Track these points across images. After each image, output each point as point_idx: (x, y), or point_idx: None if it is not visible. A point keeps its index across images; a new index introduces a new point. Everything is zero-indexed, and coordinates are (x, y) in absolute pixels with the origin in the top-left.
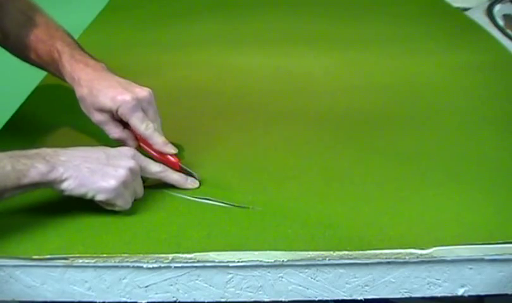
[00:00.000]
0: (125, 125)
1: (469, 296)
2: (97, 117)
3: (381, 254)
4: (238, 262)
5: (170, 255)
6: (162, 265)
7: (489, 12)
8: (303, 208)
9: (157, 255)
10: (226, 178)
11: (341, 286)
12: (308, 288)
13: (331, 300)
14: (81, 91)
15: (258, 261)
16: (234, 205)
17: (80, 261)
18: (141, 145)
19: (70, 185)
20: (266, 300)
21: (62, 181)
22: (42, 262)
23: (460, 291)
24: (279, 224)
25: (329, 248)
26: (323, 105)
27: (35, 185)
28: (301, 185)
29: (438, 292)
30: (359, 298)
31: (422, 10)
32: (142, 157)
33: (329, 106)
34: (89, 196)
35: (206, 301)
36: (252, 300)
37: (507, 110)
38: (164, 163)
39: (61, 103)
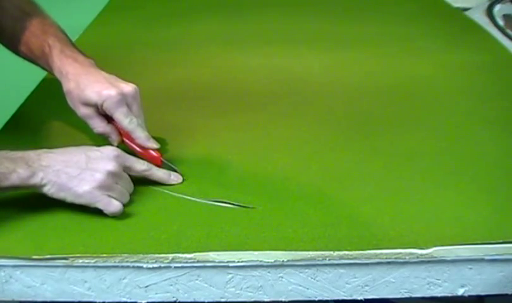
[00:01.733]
0: (109, 120)
1: (469, 296)
2: (83, 111)
3: (381, 254)
4: (238, 262)
5: (170, 255)
6: (162, 265)
7: (489, 12)
8: (303, 208)
9: (157, 255)
10: (226, 178)
11: (341, 286)
12: (308, 288)
13: (331, 300)
14: (68, 85)
15: (258, 261)
16: (234, 205)
17: (80, 261)
18: (125, 140)
19: (50, 190)
20: (266, 300)
21: (42, 186)
22: (42, 262)
23: (460, 291)
24: (279, 224)
25: (329, 248)
26: (323, 105)
27: (16, 188)
28: (301, 185)
29: (438, 292)
30: (359, 298)
31: (422, 10)
32: (127, 156)
33: (328, 106)
34: (68, 200)
35: (206, 301)
36: (252, 300)
37: (507, 110)
38: (146, 159)
39: (62, 102)
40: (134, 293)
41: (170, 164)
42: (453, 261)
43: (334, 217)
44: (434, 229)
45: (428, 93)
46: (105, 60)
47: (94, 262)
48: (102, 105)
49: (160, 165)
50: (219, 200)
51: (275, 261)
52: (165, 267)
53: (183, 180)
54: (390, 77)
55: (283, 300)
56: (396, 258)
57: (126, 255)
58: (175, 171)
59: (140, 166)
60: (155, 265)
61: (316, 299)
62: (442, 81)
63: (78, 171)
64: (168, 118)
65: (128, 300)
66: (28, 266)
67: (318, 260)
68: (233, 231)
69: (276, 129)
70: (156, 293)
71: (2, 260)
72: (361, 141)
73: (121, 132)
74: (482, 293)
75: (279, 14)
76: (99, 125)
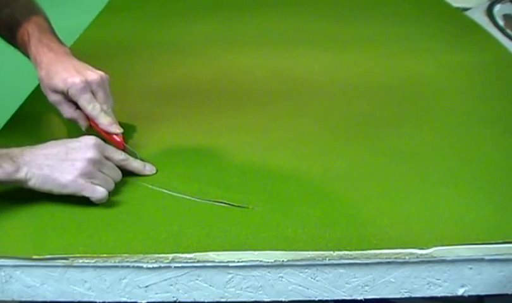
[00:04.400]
0: (77, 106)
1: (469, 296)
2: (52, 97)
3: (381, 254)
4: (238, 262)
5: (170, 255)
6: (162, 265)
7: (489, 12)
8: (303, 208)
9: (157, 255)
10: (226, 178)
11: (341, 286)
12: (308, 288)
13: (331, 300)
14: (41, 73)
15: (258, 261)
16: (234, 205)
17: (80, 261)
18: (92, 125)
19: (35, 184)
20: (266, 300)
21: (27, 180)
22: (42, 262)
23: (460, 291)
24: (279, 224)
25: (328, 248)
26: (322, 105)
27: (2, 183)
28: (301, 185)
29: (438, 292)
30: (359, 298)
31: (422, 10)
32: (106, 146)
33: (328, 106)
34: (55, 192)
35: (206, 301)
36: (252, 300)
37: (507, 110)
38: (111, 143)
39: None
40: (134, 293)
41: (131, 149)
42: (453, 261)
43: (334, 217)
44: (434, 229)
45: (428, 93)
46: (105, 60)
47: (94, 262)
48: (67, 92)
49: (123, 149)
50: (219, 200)
51: (275, 261)
52: (165, 267)
53: (156, 170)
54: (390, 77)
55: (283, 300)
56: (396, 258)
57: (126, 255)
58: (135, 156)
59: (118, 155)
60: (155, 265)
61: (316, 299)
62: (442, 81)
63: (59, 162)
64: (168, 118)
65: (128, 300)
66: (28, 266)
67: (318, 260)
68: (233, 231)
69: (276, 129)
70: (156, 293)
71: (2, 260)
72: (361, 141)
73: (89, 118)
74: (482, 293)
75: (279, 15)
76: (67, 111)
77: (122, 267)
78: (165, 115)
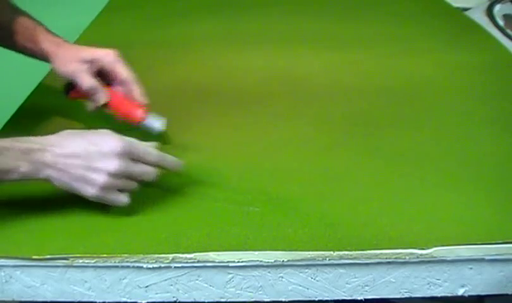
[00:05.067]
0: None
1: (469, 296)
2: (74, 67)
3: (381, 254)
4: (238, 262)
5: (170, 255)
6: (162, 265)
7: (489, 12)
8: (303, 208)
9: (157, 255)
10: (226, 178)
11: (341, 286)
12: (308, 288)
13: (331, 300)
14: (59, 48)
15: (258, 261)
16: (234, 205)
17: (80, 261)
18: (111, 101)
19: (55, 185)
20: (266, 300)
21: (46, 180)
22: (42, 262)
23: (460, 291)
24: (279, 224)
25: (329, 248)
26: (322, 105)
27: (20, 180)
28: (301, 185)
29: (438, 292)
30: (359, 298)
31: (422, 10)
32: (134, 147)
33: (328, 106)
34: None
35: (206, 301)
36: (252, 300)
37: (507, 110)
38: (128, 116)
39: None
40: (135, 293)
41: (157, 116)
42: (453, 261)
43: (334, 217)
44: (434, 229)
45: (428, 93)
46: None
47: (94, 262)
48: (100, 60)
49: (143, 120)
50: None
51: (275, 261)
52: (165, 267)
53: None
54: (390, 77)
55: (283, 300)
56: (396, 258)
57: (126, 255)
58: (161, 126)
59: (151, 157)
60: (155, 265)
61: (317, 299)
62: (442, 81)
63: (80, 171)
64: (168, 118)
65: (128, 300)
66: (28, 266)
67: (318, 260)
68: (233, 231)
69: (276, 129)
70: (156, 293)
71: (2, 260)
72: (361, 141)
73: (109, 91)
74: (482, 293)
75: (279, 14)
76: (88, 80)
77: (123, 267)
78: (164, 115)
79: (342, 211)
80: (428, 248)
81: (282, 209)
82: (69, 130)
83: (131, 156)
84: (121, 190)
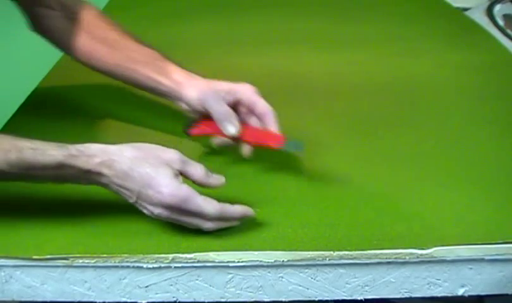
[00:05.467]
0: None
1: (469, 296)
2: (208, 95)
3: (381, 254)
4: (238, 262)
5: (170, 256)
6: (162, 265)
7: (489, 12)
8: (303, 208)
9: (157, 255)
10: (226, 178)
11: (341, 286)
12: (308, 288)
13: (331, 300)
14: (193, 79)
15: (258, 260)
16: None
17: (80, 261)
18: (243, 132)
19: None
20: (266, 300)
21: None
22: (42, 262)
23: (460, 291)
24: (279, 224)
25: (328, 248)
26: (322, 105)
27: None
28: (301, 185)
29: (438, 292)
30: (359, 298)
31: (422, 10)
32: (190, 204)
33: (328, 106)
34: None
35: (206, 301)
36: (252, 300)
37: (507, 110)
38: (261, 145)
39: (64, 104)
40: (135, 293)
41: (296, 141)
42: (453, 261)
43: (334, 217)
44: (434, 229)
45: (428, 93)
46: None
47: (94, 262)
48: (238, 93)
49: (282, 146)
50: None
51: (275, 261)
52: (165, 267)
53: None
54: (390, 77)
55: (283, 300)
56: (396, 258)
57: (126, 255)
58: (300, 148)
59: (209, 213)
60: (155, 265)
61: (317, 299)
62: (442, 81)
63: (130, 200)
64: (166, 118)
65: (128, 300)
66: (28, 266)
67: (318, 260)
68: (233, 231)
69: None
70: (156, 293)
71: (2, 260)
72: (361, 141)
73: (242, 123)
74: (482, 293)
75: (279, 14)
76: (223, 108)
77: (122, 267)
78: (163, 115)
79: (342, 211)
80: (428, 248)
81: (282, 209)
82: (130, 151)
83: (182, 210)
84: None
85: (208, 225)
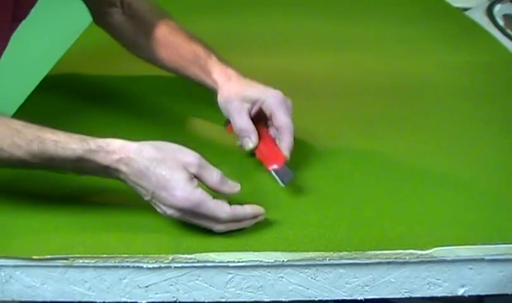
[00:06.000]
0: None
1: (469, 296)
2: (234, 105)
3: (381, 254)
4: (238, 262)
5: (170, 256)
6: (162, 265)
7: (489, 12)
8: (303, 209)
9: (157, 255)
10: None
11: (341, 286)
12: (308, 288)
13: (331, 300)
14: (229, 84)
15: (258, 261)
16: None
17: (80, 261)
18: (259, 146)
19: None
20: (266, 300)
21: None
22: (42, 262)
23: (460, 291)
24: (279, 224)
25: (328, 248)
26: (322, 105)
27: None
28: (301, 185)
29: (438, 292)
30: (359, 298)
31: (422, 10)
32: (203, 208)
33: (328, 107)
34: None
35: (206, 301)
36: (252, 300)
37: (507, 110)
38: (261, 159)
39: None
40: (135, 293)
41: (290, 170)
42: (453, 261)
43: (334, 218)
44: (434, 230)
45: (428, 93)
46: (105, 60)
47: (94, 262)
48: (263, 101)
49: (280, 168)
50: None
51: (275, 261)
52: (165, 267)
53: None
54: (390, 78)
55: (283, 300)
56: (396, 258)
57: (126, 255)
58: (289, 178)
59: (221, 218)
60: (155, 265)
61: (317, 299)
62: (442, 81)
63: (145, 197)
64: (168, 118)
65: (128, 300)
66: (28, 266)
67: (318, 260)
68: (233, 231)
69: None
70: (156, 293)
71: (2, 260)
72: (361, 141)
73: (261, 135)
74: (482, 293)
75: (279, 14)
76: (244, 121)
77: (123, 267)
78: (163, 115)
79: (342, 212)
80: (428, 248)
81: (282, 209)
82: (149, 151)
83: (194, 213)
84: None
85: (219, 227)
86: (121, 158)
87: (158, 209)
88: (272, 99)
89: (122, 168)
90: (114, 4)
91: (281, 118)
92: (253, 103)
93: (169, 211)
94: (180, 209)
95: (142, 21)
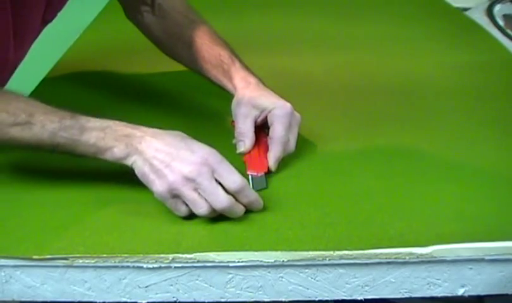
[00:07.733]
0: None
1: (469, 296)
2: (242, 109)
3: (381, 254)
4: (238, 262)
5: (170, 256)
6: (162, 265)
7: (489, 12)
8: (303, 208)
9: (157, 255)
10: None
11: (341, 286)
12: (308, 288)
13: (331, 300)
14: (246, 90)
15: (258, 261)
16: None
17: (80, 261)
18: (249, 153)
19: (136, 174)
20: (266, 300)
21: (132, 168)
22: (42, 262)
23: (460, 291)
24: (279, 224)
25: (328, 248)
26: (322, 105)
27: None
28: (300, 184)
29: (438, 292)
30: (359, 298)
31: (422, 10)
32: (221, 166)
33: (328, 106)
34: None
35: (206, 301)
36: (252, 300)
37: (507, 110)
38: (245, 161)
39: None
40: (135, 293)
41: (265, 180)
42: (453, 261)
43: (334, 217)
44: (434, 227)
45: (428, 93)
46: (105, 60)
47: (94, 262)
48: (270, 111)
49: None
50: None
51: (275, 261)
52: (165, 267)
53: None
54: (390, 77)
55: (283, 300)
56: (395, 258)
57: (126, 255)
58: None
59: (231, 183)
60: (155, 265)
61: (317, 299)
62: (442, 81)
63: (160, 166)
64: (169, 118)
65: (128, 300)
66: (28, 266)
67: (318, 260)
68: (233, 231)
69: None
70: (156, 293)
71: (2, 260)
72: (361, 140)
73: (257, 143)
74: (482, 293)
75: (280, 15)
76: (245, 126)
77: (123, 267)
78: (163, 115)
79: (341, 211)
80: (428, 247)
81: (282, 209)
82: (177, 132)
83: (212, 172)
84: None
85: (223, 198)
86: (146, 130)
87: (169, 172)
88: (277, 110)
89: (147, 137)
90: (144, 3)
91: (276, 130)
92: (262, 111)
93: (184, 168)
94: (199, 163)
95: (171, 23)
